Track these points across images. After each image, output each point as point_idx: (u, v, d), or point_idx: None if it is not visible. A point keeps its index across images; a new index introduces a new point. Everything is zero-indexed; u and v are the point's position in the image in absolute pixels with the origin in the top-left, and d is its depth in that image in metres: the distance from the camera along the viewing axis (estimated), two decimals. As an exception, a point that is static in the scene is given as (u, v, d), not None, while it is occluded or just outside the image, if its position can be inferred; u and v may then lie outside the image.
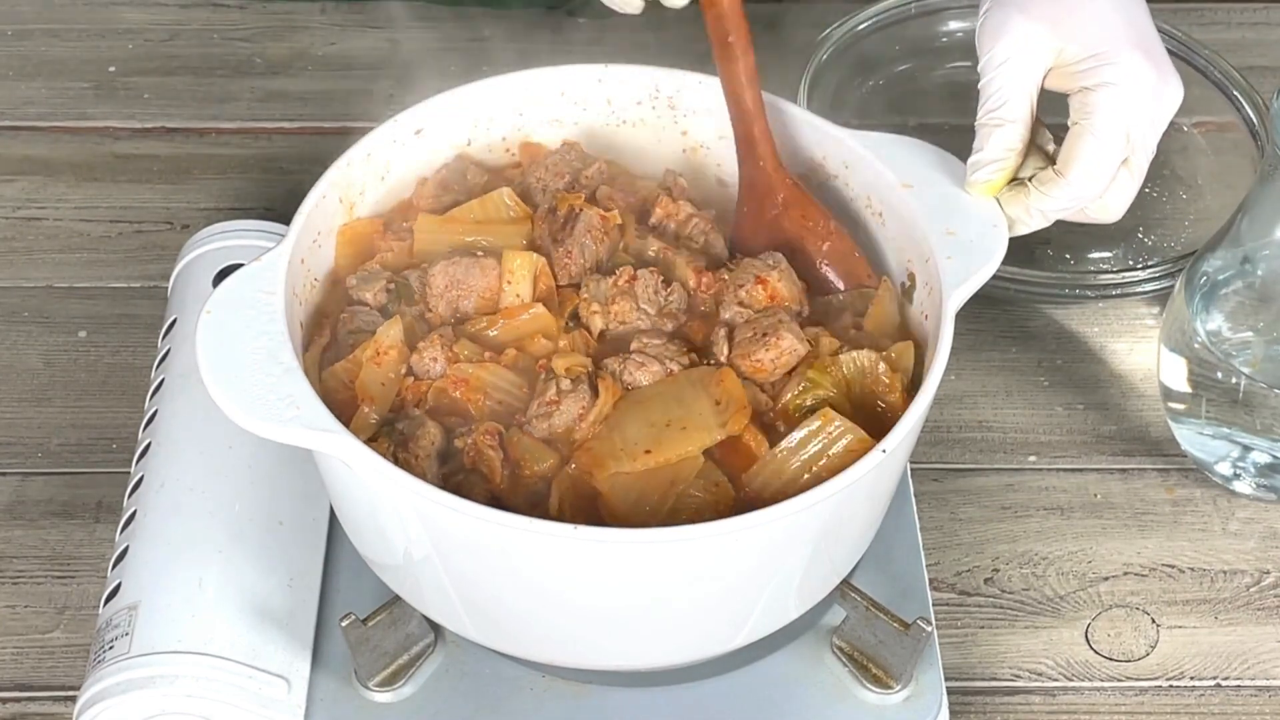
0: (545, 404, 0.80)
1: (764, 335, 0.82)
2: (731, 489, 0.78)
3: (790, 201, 0.89)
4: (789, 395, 0.82)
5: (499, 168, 0.95)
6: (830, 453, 0.78)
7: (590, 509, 0.78)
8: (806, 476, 0.77)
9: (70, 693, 0.91)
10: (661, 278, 0.86)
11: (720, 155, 0.95)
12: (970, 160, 0.86)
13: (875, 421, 0.80)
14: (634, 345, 0.83)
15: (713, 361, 0.83)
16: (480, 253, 0.86)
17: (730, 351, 0.83)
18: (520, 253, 0.85)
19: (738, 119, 0.89)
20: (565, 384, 0.80)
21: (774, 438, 0.80)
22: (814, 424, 0.79)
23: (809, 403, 0.81)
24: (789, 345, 0.82)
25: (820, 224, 0.89)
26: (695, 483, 0.78)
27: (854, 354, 0.82)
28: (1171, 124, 1.21)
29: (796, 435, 0.79)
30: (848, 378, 0.82)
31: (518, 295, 0.85)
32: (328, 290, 0.88)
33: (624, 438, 0.79)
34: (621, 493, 0.77)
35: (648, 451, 0.78)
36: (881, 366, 0.82)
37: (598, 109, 0.95)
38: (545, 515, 0.76)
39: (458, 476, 0.79)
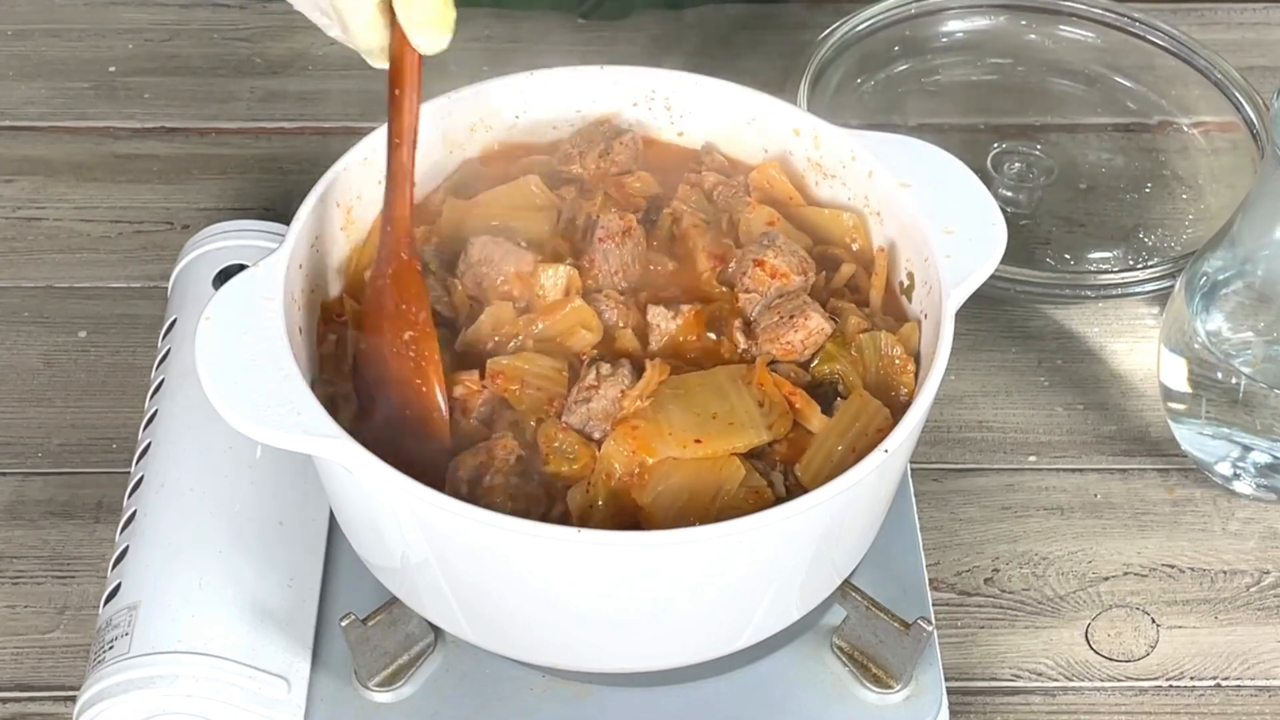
0: (584, 389, 0.79)
1: (791, 317, 0.83)
2: (770, 493, 0.78)
3: (406, 276, 0.82)
4: (812, 366, 0.83)
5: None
6: (869, 430, 0.79)
7: (627, 525, 0.77)
8: (851, 456, 0.78)
9: (70, 693, 0.91)
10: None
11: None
12: None
13: (891, 405, 0.80)
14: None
15: (738, 349, 0.84)
16: (524, 244, 0.85)
17: (750, 339, 0.84)
18: (551, 265, 0.84)
19: (389, 177, 0.82)
20: (605, 368, 0.80)
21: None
22: (852, 404, 0.80)
23: (827, 371, 0.82)
24: (816, 325, 0.83)
25: (416, 314, 0.81)
26: (738, 492, 0.77)
27: (872, 334, 0.83)
28: (1171, 124, 1.23)
29: (835, 419, 0.80)
30: (865, 358, 0.83)
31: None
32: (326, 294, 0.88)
33: (671, 424, 0.78)
34: (667, 502, 0.77)
35: (698, 440, 0.78)
36: (897, 349, 0.82)
37: (595, 110, 0.95)
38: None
39: (535, 472, 0.78)
